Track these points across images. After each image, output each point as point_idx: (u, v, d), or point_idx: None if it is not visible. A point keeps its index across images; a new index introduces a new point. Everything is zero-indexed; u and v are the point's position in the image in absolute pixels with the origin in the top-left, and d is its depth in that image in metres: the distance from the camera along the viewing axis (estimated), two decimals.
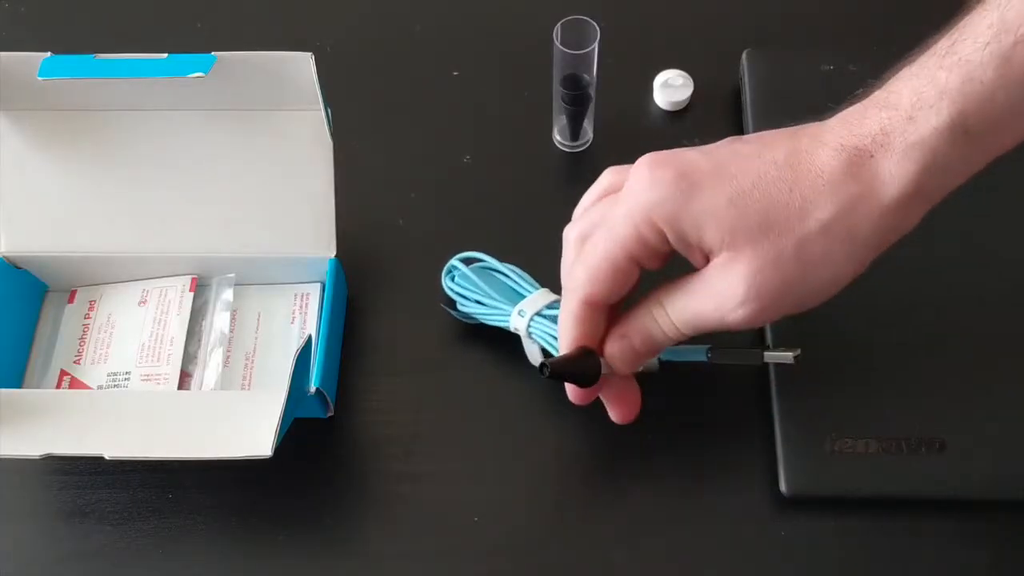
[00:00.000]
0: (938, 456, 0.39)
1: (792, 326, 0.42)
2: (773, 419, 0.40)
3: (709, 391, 0.42)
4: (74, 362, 0.43)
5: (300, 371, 0.37)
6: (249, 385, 0.42)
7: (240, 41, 0.41)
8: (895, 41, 0.52)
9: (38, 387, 0.43)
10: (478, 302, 0.42)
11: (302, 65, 0.38)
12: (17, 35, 0.55)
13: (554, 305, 0.40)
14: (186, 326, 0.43)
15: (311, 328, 0.43)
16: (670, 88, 0.50)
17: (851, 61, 0.49)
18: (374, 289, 0.46)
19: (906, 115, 0.30)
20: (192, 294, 0.44)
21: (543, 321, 0.40)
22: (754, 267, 0.31)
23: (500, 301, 0.42)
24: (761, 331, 0.43)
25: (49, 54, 0.39)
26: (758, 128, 0.47)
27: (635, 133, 0.50)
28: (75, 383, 0.42)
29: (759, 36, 0.52)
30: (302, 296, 0.44)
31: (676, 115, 0.51)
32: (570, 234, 0.36)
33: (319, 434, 0.42)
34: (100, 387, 0.42)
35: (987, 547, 0.39)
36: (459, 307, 0.43)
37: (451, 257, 0.43)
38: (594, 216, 0.35)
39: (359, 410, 0.43)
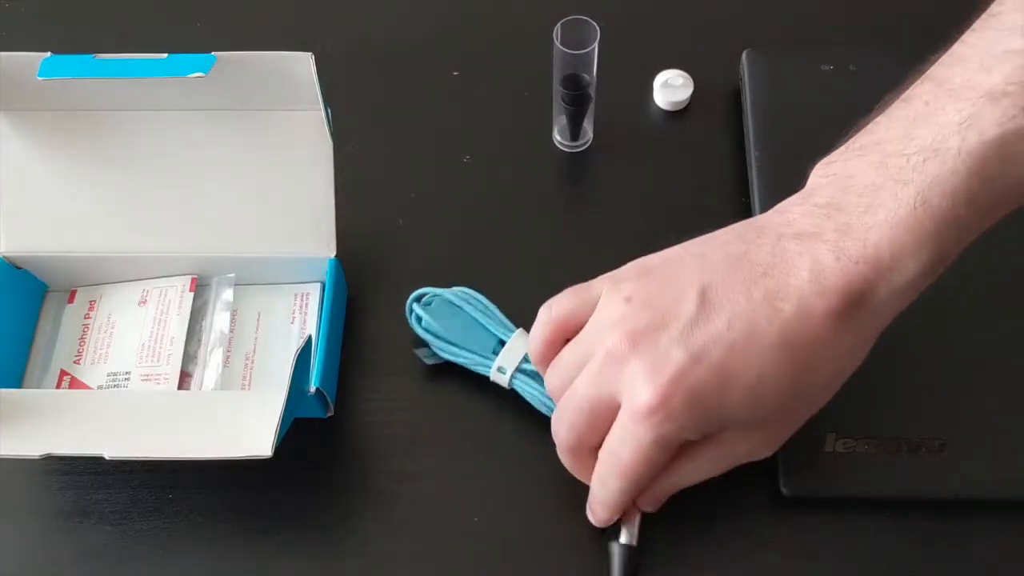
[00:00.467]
0: (938, 456, 0.39)
1: None
2: None
3: None
4: (74, 362, 0.43)
5: (300, 371, 0.37)
6: (249, 385, 0.42)
7: (240, 41, 0.41)
8: (895, 41, 0.53)
9: (38, 387, 0.43)
10: (450, 343, 0.42)
11: (302, 65, 0.38)
12: (17, 35, 0.55)
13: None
14: (186, 326, 0.43)
15: (311, 328, 0.43)
16: (670, 88, 0.50)
17: (851, 61, 0.49)
18: (374, 289, 0.46)
19: (887, 267, 0.31)
20: (192, 294, 0.44)
21: (527, 380, 0.40)
22: (757, 444, 0.35)
23: (472, 351, 0.41)
24: None
25: (49, 54, 0.39)
26: (758, 128, 0.47)
27: (635, 133, 0.50)
28: (75, 383, 0.42)
29: (759, 36, 0.52)
30: (302, 296, 0.44)
31: (676, 115, 0.51)
32: (570, 403, 0.35)
33: (319, 434, 0.42)
34: (100, 387, 0.42)
35: (987, 547, 0.39)
36: (434, 349, 0.42)
37: (450, 259, 0.44)
38: (592, 413, 0.35)
39: (359, 410, 0.43)
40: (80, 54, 0.39)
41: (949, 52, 0.33)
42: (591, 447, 0.36)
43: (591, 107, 0.48)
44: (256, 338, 0.44)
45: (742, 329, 0.32)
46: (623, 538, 0.38)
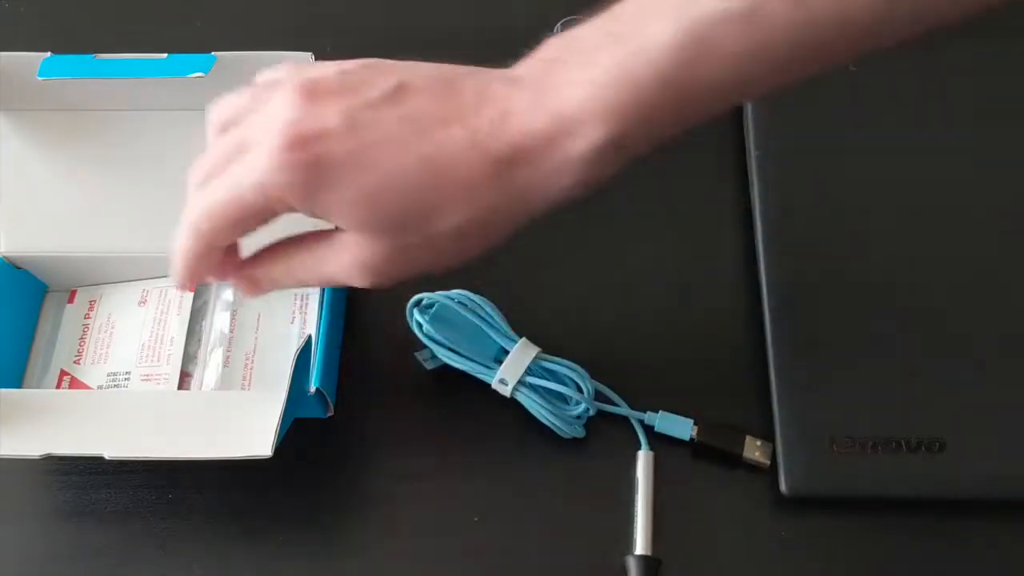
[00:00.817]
0: (938, 456, 0.39)
1: (792, 327, 0.42)
2: (773, 419, 0.40)
3: (708, 392, 0.42)
4: (74, 362, 0.43)
5: (300, 371, 0.37)
6: (249, 385, 0.42)
7: (240, 41, 0.41)
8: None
9: (38, 387, 0.43)
10: (451, 350, 0.41)
11: None
12: (17, 35, 0.55)
13: (536, 368, 0.40)
14: (186, 326, 0.43)
15: (311, 328, 0.43)
16: None
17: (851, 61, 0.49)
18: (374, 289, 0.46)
19: (567, 130, 0.30)
20: (192, 294, 0.44)
21: (530, 392, 0.40)
22: (376, 257, 0.32)
23: (473, 359, 0.41)
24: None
25: (49, 54, 0.39)
26: (759, 129, 0.47)
27: None
28: (75, 383, 0.42)
29: None
30: (302, 296, 0.44)
31: None
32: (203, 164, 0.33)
33: (319, 434, 0.42)
34: (100, 387, 0.42)
35: (987, 547, 0.39)
36: (437, 355, 0.42)
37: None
38: (231, 147, 0.31)
39: (359, 410, 0.43)
40: (80, 54, 0.39)
41: None
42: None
43: None
44: (256, 338, 0.44)
45: (407, 132, 0.30)
46: (638, 549, 0.38)
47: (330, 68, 0.32)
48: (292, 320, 0.44)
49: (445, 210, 0.31)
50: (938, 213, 0.45)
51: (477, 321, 0.41)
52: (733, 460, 0.40)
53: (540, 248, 0.47)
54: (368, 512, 0.40)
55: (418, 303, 0.42)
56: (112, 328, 0.44)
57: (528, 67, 0.31)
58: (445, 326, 0.41)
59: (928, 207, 0.45)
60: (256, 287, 0.34)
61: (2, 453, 0.36)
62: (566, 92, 0.30)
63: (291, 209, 0.31)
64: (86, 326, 0.44)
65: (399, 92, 0.31)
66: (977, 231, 0.44)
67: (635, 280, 0.46)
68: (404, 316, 0.42)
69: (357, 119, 0.30)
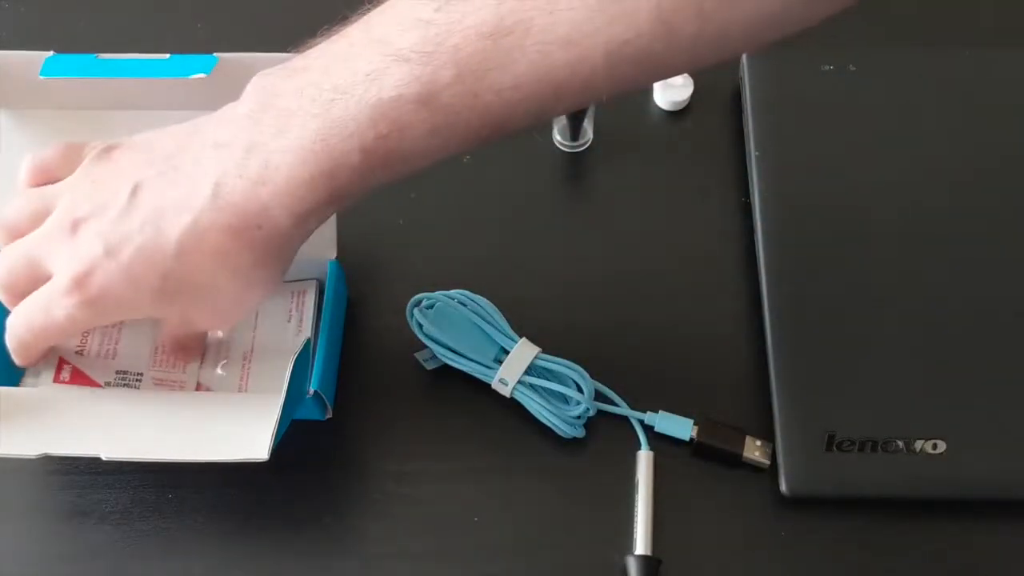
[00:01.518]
0: (938, 456, 0.39)
1: (792, 327, 0.42)
2: (773, 419, 0.40)
3: (708, 392, 0.42)
4: (76, 351, 0.43)
5: (298, 373, 0.37)
6: (247, 386, 0.42)
7: (241, 42, 0.41)
8: (895, 41, 0.53)
9: (36, 377, 0.42)
10: (451, 350, 0.41)
11: None
12: (18, 35, 0.55)
13: (536, 368, 0.40)
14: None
15: (308, 326, 0.43)
16: (670, 88, 0.50)
17: (851, 61, 0.49)
18: (374, 290, 0.46)
19: (284, 193, 0.33)
20: None
21: (529, 391, 0.40)
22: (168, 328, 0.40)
23: (473, 359, 0.41)
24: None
25: (51, 53, 0.39)
26: (759, 130, 0.47)
27: (635, 133, 0.50)
28: (77, 373, 0.42)
29: None
30: (298, 294, 0.44)
31: (676, 115, 0.51)
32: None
33: (319, 435, 0.42)
34: (108, 383, 0.42)
35: (987, 547, 0.39)
36: (437, 355, 0.42)
37: (450, 259, 0.43)
38: (29, 265, 0.37)
39: (359, 412, 0.43)
40: (82, 54, 0.39)
41: None
42: (24, 292, 0.37)
43: (591, 107, 0.48)
44: (254, 338, 0.44)
45: (151, 233, 0.34)
46: (638, 549, 0.38)
47: (80, 184, 0.36)
48: (289, 319, 0.44)
49: (218, 285, 0.35)
50: (938, 213, 0.45)
51: (477, 321, 0.41)
52: (733, 460, 0.40)
53: (540, 248, 0.47)
54: (368, 512, 0.40)
55: (418, 303, 0.42)
56: (121, 324, 0.43)
57: (228, 124, 0.34)
58: (445, 326, 0.41)
59: (928, 207, 0.45)
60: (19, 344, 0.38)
61: None
62: (275, 160, 0.32)
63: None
64: None
65: (135, 195, 0.34)
66: (977, 231, 0.44)
67: (635, 280, 0.46)
68: (404, 316, 0.42)
69: (111, 242, 0.34)
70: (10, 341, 0.38)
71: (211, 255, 0.34)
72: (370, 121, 0.31)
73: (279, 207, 0.33)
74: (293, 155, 0.32)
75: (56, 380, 0.41)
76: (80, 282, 0.35)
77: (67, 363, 0.42)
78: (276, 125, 0.32)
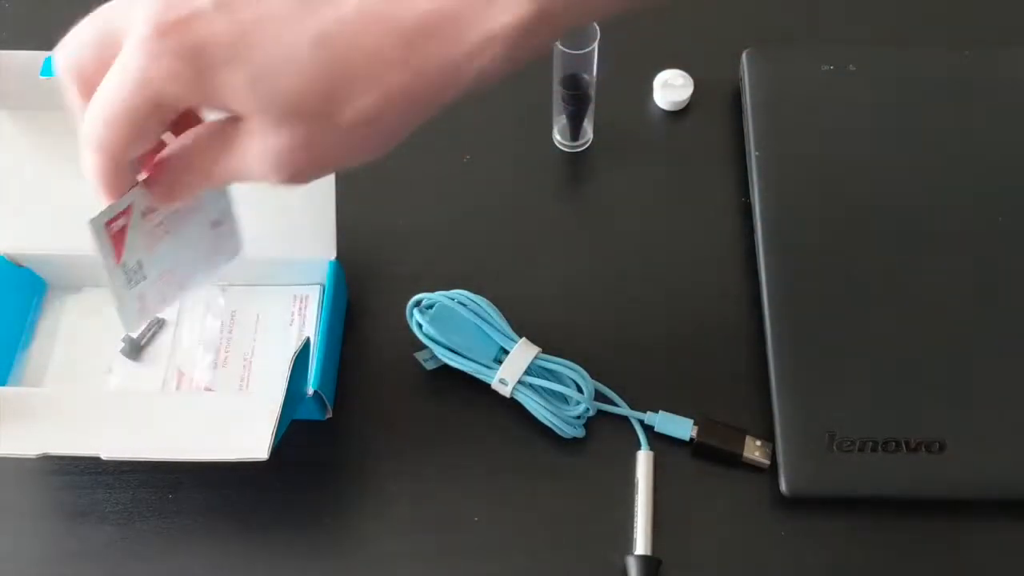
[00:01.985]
0: (938, 456, 0.39)
1: (792, 327, 0.42)
2: (773, 419, 0.40)
3: (708, 392, 0.42)
4: (72, 358, 0.43)
5: (298, 373, 0.37)
6: (247, 386, 0.42)
7: None
8: (895, 41, 0.53)
9: (32, 382, 0.42)
10: (451, 350, 0.41)
11: None
12: (18, 35, 0.55)
13: (535, 368, 0.40)
14: (195, 333, 0.43)
15: (310, 330, 0.43)
16: (670, 88, 0.50)
17: (851, 61, 0.49)
18: (374, 290, 0.46)
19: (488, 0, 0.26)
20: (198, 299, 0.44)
21: (529, 391, 0.40)
22: (282, 147, 0.28)
23: (473, 359, 0.41)
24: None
25: (51, 53, 0.39)
26: (759, 130, 0.47)
27: (635, 133, 0.50)
28: (78, 381, 0.42)
29: (759, 36, 0.52)
30: (301, 298, 0.44)
31: (676, 115, 0.51)
32: (67, 60, 0.30)
33: (319, 435, 0.42)
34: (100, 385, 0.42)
35: (987, 547, 0.39)
36: (437, 355, 0.42)
37: (450, 259, 0.43)
38: (101, 43, 0.29)
39: (359, 412, 0.43)
40: None
41: None
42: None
43: (591, 107, 0.48)
44: (254, 339, 0.44)
45: (294, 5, 0.27)
46: (639, 549, 0.38)
47: None
48: (291, 322, 0.44)
49: (350, 92, 0.27)
50: (938, 213, 0.45)
51: (477, 321, 0.41)
52: (733, 460, 0.40)
53: (540, 248, 0.47)
54: (368, 512, 0.40)
55: (418, 303, 0.42)
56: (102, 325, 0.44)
57: None
58: (445, 326, 0.41)
59: (928, 207, 0.45)
60: (170, 194, 0.31)
61: None
62: None
63: (187, 103, 0.28)
64: (92, 323, 0.44)
65: None
66: (978, 231, 0.44)
67: (635, 280, 0.46)
68: (404, 316, 0.42)
69: (233, 3, 0.27)
70: (85, 162, 0.30)
71: (368, 58, 0.27)
72: None
73: (487, 18, 0.27)
74: None
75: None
76: (169, 25, 0.26)
77: (65, 370, 0.42)
78: None
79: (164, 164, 0.31)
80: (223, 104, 0.28)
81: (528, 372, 0.40)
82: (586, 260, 0.46)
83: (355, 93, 0.27)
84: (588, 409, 0.41)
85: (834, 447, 0.39)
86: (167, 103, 0.27)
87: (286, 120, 0.27)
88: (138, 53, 0.27)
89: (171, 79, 0.27)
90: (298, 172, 0.29)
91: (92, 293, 0.45)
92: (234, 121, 0.28)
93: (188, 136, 0.30)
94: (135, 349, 0.43)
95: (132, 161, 0.30)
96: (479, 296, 0.42)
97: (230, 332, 0.44)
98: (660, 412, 0.41)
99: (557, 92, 0.47)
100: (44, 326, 0.44)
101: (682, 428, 0.41)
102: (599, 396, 0.42)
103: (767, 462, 0.40)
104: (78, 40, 0.29)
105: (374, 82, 0.27)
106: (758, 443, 0.40)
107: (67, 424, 0.38)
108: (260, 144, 0.28)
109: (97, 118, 0.28)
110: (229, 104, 0.28)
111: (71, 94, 0.30)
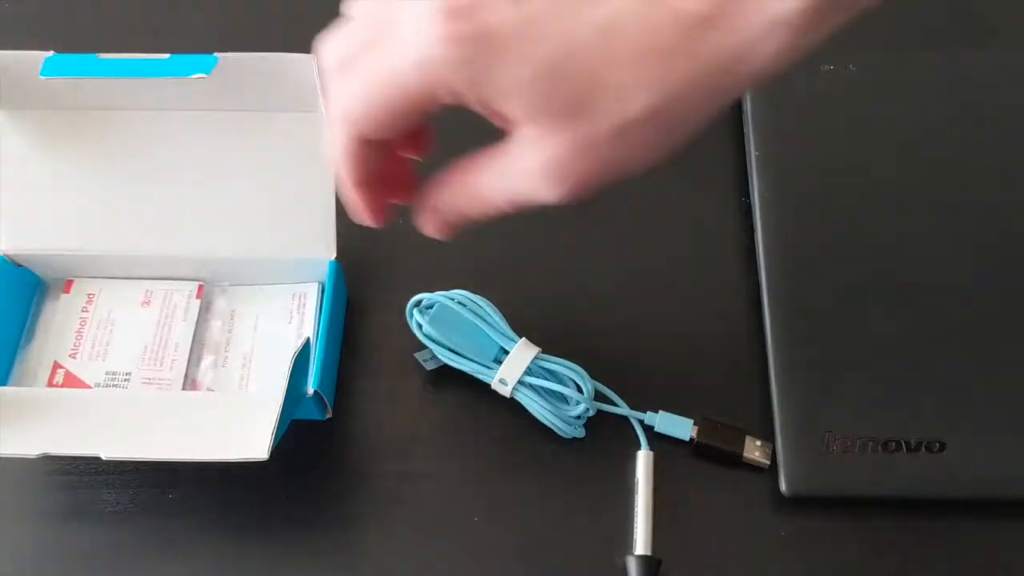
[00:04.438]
0: (938, 456, 0.39)
1: (792, 328, 0.42)
2: (773, 419, 0.40)
3: (708, 392, 0.42)
4: (69, 355, 0.43)
5: (298, 373, 0.37)
6: (247, 386, 0.42)
7: (242, 42, 0.41)
8: (895, 41, 0.53)
9: (31, 379, 0.42)
10: (450, 350, 0.41)
11: (304, 67, 0.38)
12: (18, 35, 0.55)
13: (535, 368, 0.40)
14: (192, 333, 0.43)
15: (309, 328, 0.43)
16: None
17: (851, 61, 0.49)
18: (374, 290, 0.46)
19: None
20: (199, 301, 0.44)
21: (529, 392, 0.40)
22: (561, 151, 0.27)
23: (473, 359, 0.41)
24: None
25: (51, 53, 0.39)
26: (759, 130, 0.47)
27: None
28: (69, 377, 0.42)
29: None
30: (300, 296, 0.44)
31: None
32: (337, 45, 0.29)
33: (319, 435, 0.42)
34: (97, 384, 0.42)
35: (987, 547, 0.39)
36: (437, 355, 0.42)
37: (451, 259, 0.43)
38: (372, 27, 0.27)
39: (358, 412, 0.43)
40: (82, 53, 0.39)
41: None
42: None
43: None
44: (254, 339, 0.44)
45: (574, 2, 0.25)
46: (639, 549, 0.38)
47: None
48: (290, 320, 0.44)
49: (634, 87, 0.26)
50: (939, 213, 0.45)
51: (477, 321, 0.41)
52: (733, 460, 0.40)
53: (539, 248, 0.47)
54: (368, 512, 0.40)
55: (417, 303, 0.42)
56: (112, 325, 0.44)
57: None
58: (445, 327, 0.41)
59: (928, 207, 0.45)
60: (443, 222, 0.31)
61: None
62: None
63: (453, 99, 0.26)
64: (83, 319, 0.44)
65: None
66: (978, 231, 0.44)
67: (635, 280, 0.46)
68: (404, 316, 0.42)
69: None
70: (331, 141, 0.29)
71: (653, 46, 0.25)
72: None
73: (771, 2, 0.25)
74: None
75: (50, 384, 0.42)
76: (460, 9, 0.25)
77: (61, 367, 0.42)
78: None
79: (431, 194, 0.30)
80: (498, 101, 0.26)
81: (528, 372, 0.40)
82: (586, 260, 0.46)
83: (638, 87, 0.26)
84: (588, 409, 0.41)
85: (834, 447, 0.39)
86: (438, 91, 0.26)
87: (564, 124, 0.26)
88: (420, 33, 0.25)
89: (451, 65, 0.25)
90: (576, 185, 0.27)
91: (89, 286, 0.45)
92: (504, 144, 0.28)
93: (458, 167, 0.30)
94: None
95: (374, 150, 0.29)
96: (479, 296, 0.42)
97: (230, 332, 0.44)
98: (660, 412, 0.41)
99: None
100: (40, 321, 0.44)
101: (682, 428, 0.41)
102: (599, 396, 0.42)
103: (767, 462, 0.40)
104: (346, 24, 0.28)
105: (657, 75, 0.26)
106: (758, 443, 0.40)
107: (67, 424, 0.38)
108: (536, 156, 0.27)
109: (356, 91, 0.27)
110: (505, 102, 0.26)
111: (327, 76, 0.28)
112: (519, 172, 0.28)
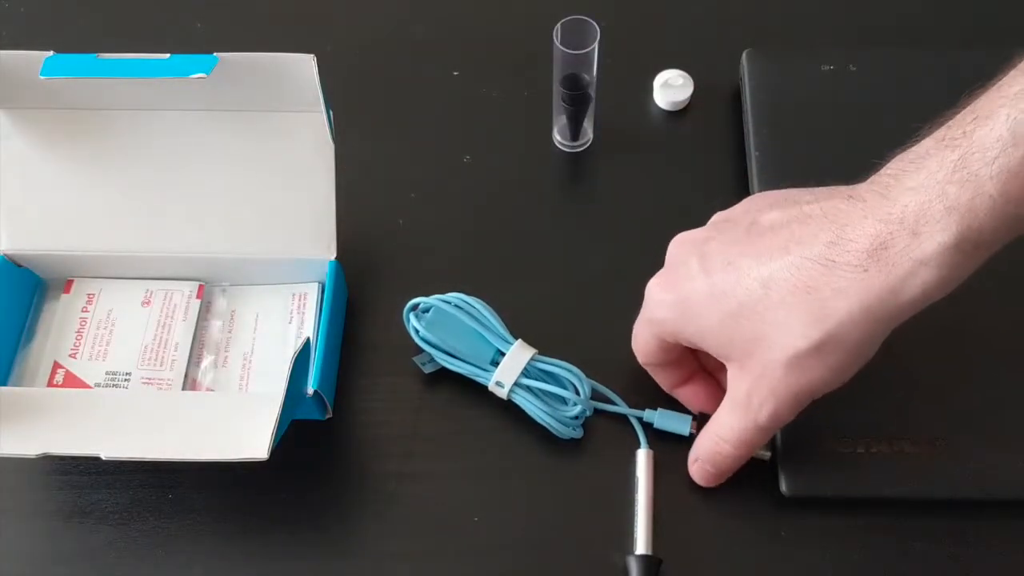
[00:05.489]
0: (938, 456, 0.39)
1: None
2: None
3: None
4: (69, 355, 0.43)
5: (298, 373, 0.37)
6: (247, 386, 0.42)
7: (242, 42, 0.41)
8: (895, 41, 0.53)
9: (30, 379, 0.42)
10: (447, 354, 0.41)
11: (304, 67, 0.38)
12: (18, 35, 0.55)
13: (532, 370, 0.40)
14: (192, 333, 0.43)
15: (309, 328, 0.43)
16: (670, 88, 0.50)
17: (851, 61, 0.49)
18: (373, 290, 0.46)
19: (910, 230, 0.31)
20: (199, 301, 0.44)
21: (525, 393, 0.40)
22: (751, 378, 0.35)
23: (470, 362, 0.41)
24: None
25: (51, 53, 0.39)
26: (758, 129, 0.47)
27: (635, 133, 0.50)
28: (70, 377, 0.42)
29: (759, 36, 0.52)
30: (300, 296, 0.44)
31: (676, 115, 0.51)
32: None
33: (319, 435, 0.42)
34: (97, 384, 0.42)
35: (986, 547, 0.39)
36: (434, 358, 0.42)
37: (450, 259, 0.43)
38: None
39: (358, 412, 0.43)
40: (82, 53, 0.39)
41: None
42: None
43: (591, 107, 0.48)
44: (254, 339, 0.44)
45: (744, 268, 0.34)
46: (639, 549, 0.38)
47: (736, 210, 0.38)
48: (290, 320, 0.44)
49: (796, 322, 0.33)
50: None
51: (472, 324, 0.41)
52: None
53: (535, 249, 0.47)
54: (367, 513, 0.40)
55: (414, 307, 0.42)
56: (112, 325, 0.44)
57: (868, 185, 0.33)
58: (441, 330, 0.41)
59: None
60: (704, 472, 0.39)
61: None
62: (904, 198, 0.31)
63: (675, 339, 0.37)
64: (83, 319, 0.44)
65: (753, 227, 0.35)
66: None
67: (634, 280, 0.45)
68: (402, 319, 0.42)
69: (710, 260, 0.35)
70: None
71: (806, 293, 0.33)
72: (1012, 141, 0.29)
73: (913, 246, 0.31)
74: (925, 190, 0.30)
75: (50, 384, 0.42)
76: (668, 284, 0.37)
77: (61, 367, 0.43)
78: (909, 168, 0.31)
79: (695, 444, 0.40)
80: (699, 343, 0.36)
81: (524, 374, 0.40)
82: (585, 260, 0.46)
83: (800, 323, 0.33)
84: (585, 410, 0.41)
85: (834, 447, 0.39)
86: (663, 338, 0.38)
87: (749, 353, 0.34)
88: (649, 299, 0.38)
89: (661, 324, 0.37)
90: (777, 399, 0.35)
91: (89, 286, 0.45)
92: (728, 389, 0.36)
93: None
94: None
95: (667, 368, 0.40)
96: (474, 298, 0.42)
97: (230, 332, 0.44)
98: (659, 409, 0.41)
99: (557, 92, 0.47)
100: (40, 321, 0.44)
101: (681, 424, 0.41)
102: (597, 395, 0.42)
103: (768, 453, 0.40)
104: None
105: (813, 311, 0.32)
106: None
107: (67, 424, 0.38)
108: (741, 385, 0.35)
109: (634, 333, 0.40)
110: (703, 343, 0.36)
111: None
112: (737, 407, 0.36)
